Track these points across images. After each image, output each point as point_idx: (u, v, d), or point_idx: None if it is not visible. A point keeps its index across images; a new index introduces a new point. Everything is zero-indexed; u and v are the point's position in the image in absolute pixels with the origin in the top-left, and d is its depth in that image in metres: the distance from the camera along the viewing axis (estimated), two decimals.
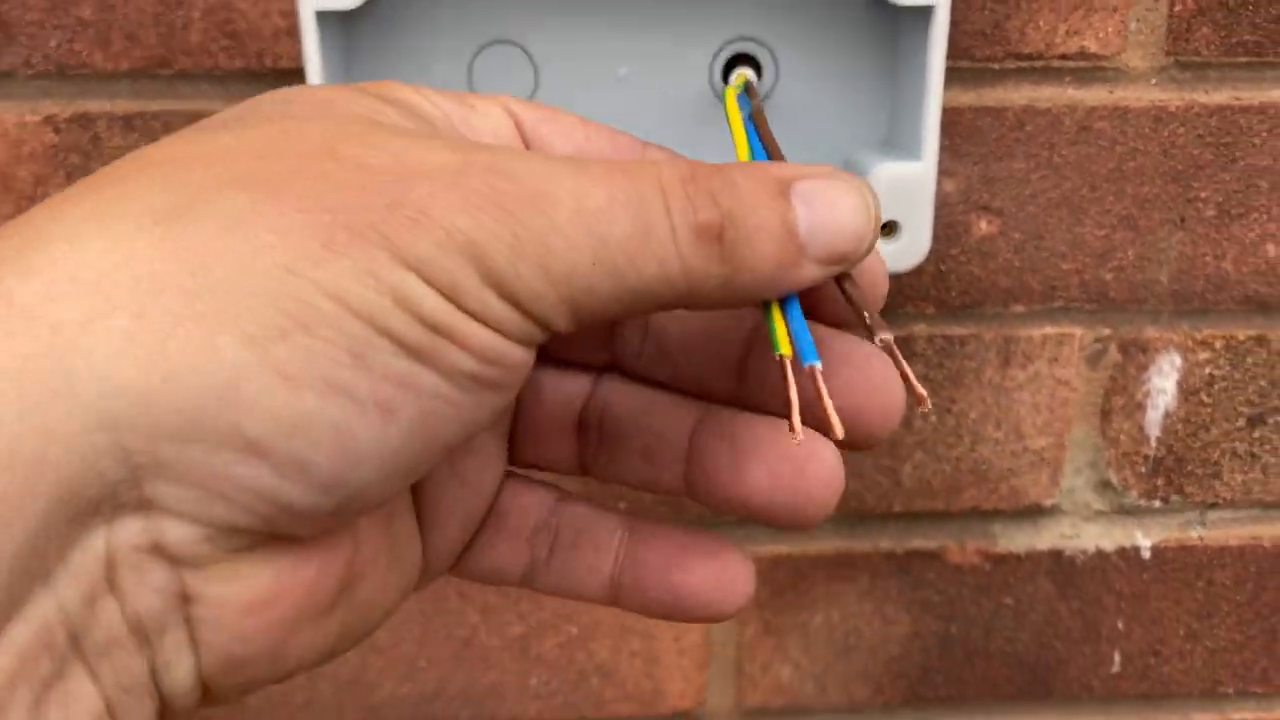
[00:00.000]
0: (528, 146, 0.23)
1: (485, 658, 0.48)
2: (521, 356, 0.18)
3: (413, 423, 0.17)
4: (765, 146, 0.33)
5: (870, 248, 0.20)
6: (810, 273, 0.20)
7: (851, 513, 0.47)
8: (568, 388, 0.25)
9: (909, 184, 0.38)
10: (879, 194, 0.37)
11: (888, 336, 0.21)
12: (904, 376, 0.21)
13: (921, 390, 0.21)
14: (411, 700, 0.49)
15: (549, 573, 0.25)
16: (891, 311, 0.45)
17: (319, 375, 0.16)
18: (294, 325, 0.16)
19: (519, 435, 0.26)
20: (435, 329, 0.17)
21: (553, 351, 0.25)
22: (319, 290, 0.16)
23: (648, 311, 0.19)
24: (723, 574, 0.24)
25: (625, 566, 0.24)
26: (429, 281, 0.17)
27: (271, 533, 0.18)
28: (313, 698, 0.48)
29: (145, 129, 0.41)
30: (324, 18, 0.36)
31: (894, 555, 0.48)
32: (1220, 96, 0.43)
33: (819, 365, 0.20)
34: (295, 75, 0.41)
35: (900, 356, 0.21)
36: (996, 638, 0.50)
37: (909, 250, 0.38)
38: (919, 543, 0.48)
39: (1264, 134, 0.43)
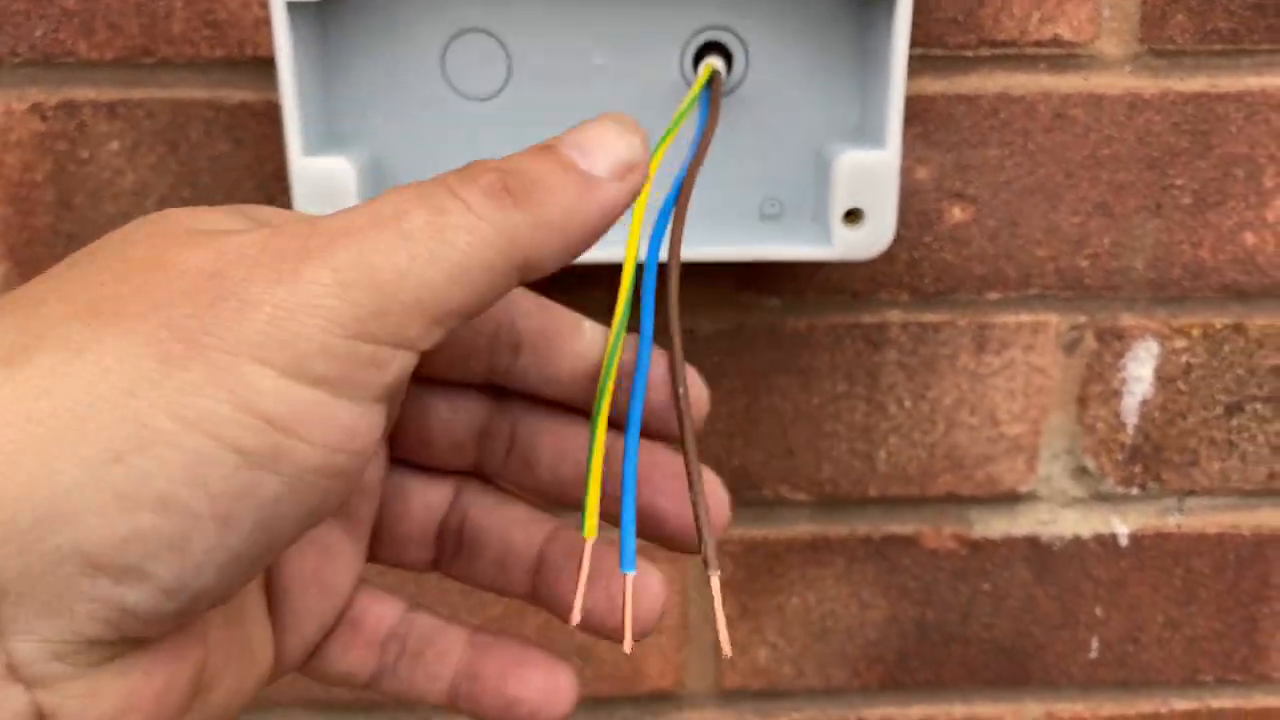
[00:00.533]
0: None
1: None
2: (369, 426, 0.19)
3: (255, 527, 0.18)
4: (704, 135, 0.33)
5: (646, 158, 0.22)
6: (611, 190, 0.21)
7: (827, 497, 0.48)
8: (431, 496, 0.27)
9: (873, 172, 0.38)
10: (845, 182, 0.38)
11: (716, 578, 0.23)
12: (715, 616, 0.24)
13: (727, 646, 0.23)
14: None
15: (395, 678, 0.27)
16: (865, 298, 0.45)
17: (154, 495, 0.17)
18: (130, 448, 0.17)
19: (380, 538, 0.27)
20: (277, 424, 0.17)
21: (419, 459, 0.27)
22: (159, 409, 0.17)
23: (503, 288, 0.20)
24: (552, 685, 0.26)
25: (464, 676, 0.26)
26: (267, 364, 0.17)
27: (120, 638, 0.18)
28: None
29: (129, 116, 0.42)
30: (296, 8, 0.36)
31: (870, 540, 0.49)
32: (1196, 84, 0.43)
33: (632, 573, 0.23)
34: (274, 64, 0.41)
35: (719, 600, 0.24)
36: (973, 623, 0.50)
37: (873, 238, 0.39)
38: (895, 528, 0.49)
39: (1240, 121, 0.43)
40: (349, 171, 0.37)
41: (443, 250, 0.19)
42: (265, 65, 0.42)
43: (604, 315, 0.31)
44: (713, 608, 0.23)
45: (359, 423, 0.18)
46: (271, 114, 0.42)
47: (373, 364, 0.18)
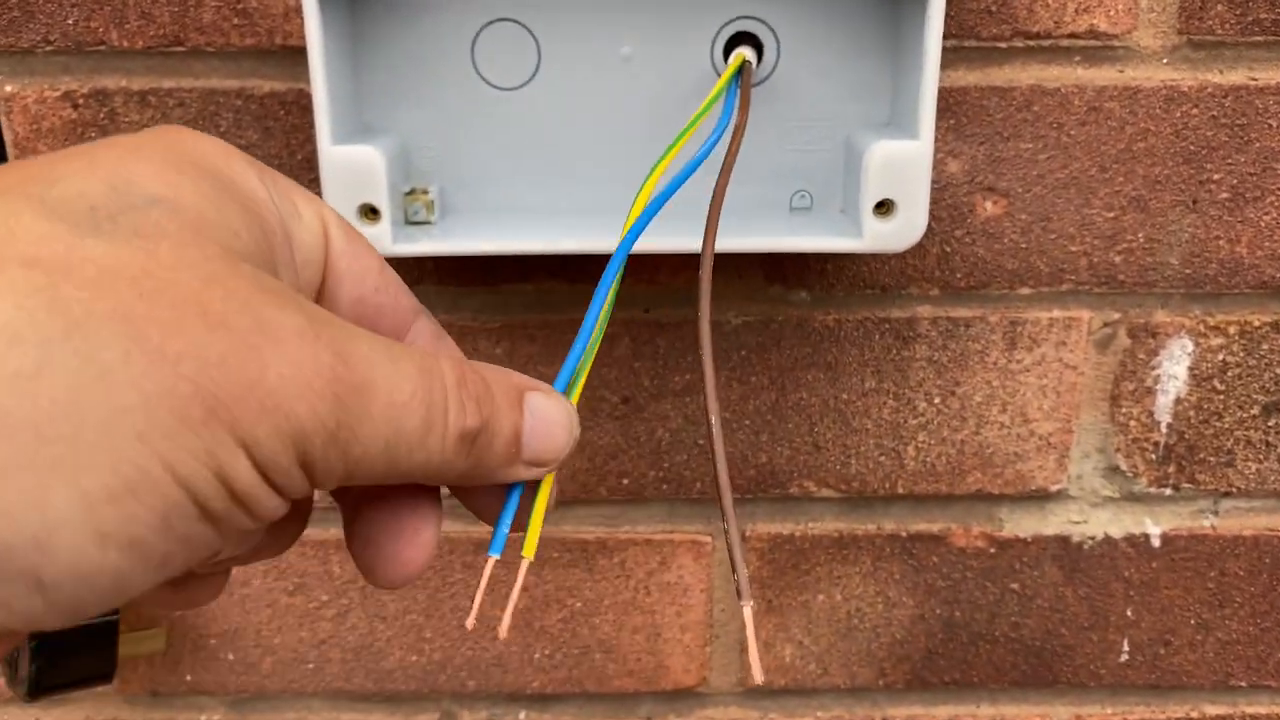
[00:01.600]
0: (326, 273, 0.25)
1: (491, 628, 0.49)
2: (283, 508, 0.20)
3: (179, 568, 0.19)
4: (736, 127, 0.33)
5: (564, 460, 0.25)
6: (519, 473, 0.24)
7: (854, 493, 0.47)
8: None
9: (905, 162, 0.37)
10: (876, 173, 0.37)
11: (749, 609, 0.26)
12: (749, 645, 0.26)
13: (759, 674, 0.25)
14: (419, 669, 0.50)
15: None
16: (895, 292, 0.45)
17: (129, 536, 0.17)
18: (126, 490, 0.17)
19: None
20: (237, 499, 0.19)
21: None
22: (160, 460, 0.17)
23: (394, 481, 0.22)
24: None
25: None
26: (253, 460, 0.19)
27: None
28: (321, 665, 0.50)
29: (160, 105, 0.42)
30: None
31: (897, 537, 0.48)
32: (1235, 76, 0.42)
33: (495, 556, 0.27)
34: (304, 53, 0.41)
35: (751, 630, 0.26)
36: (1001, 623, 0.49)
37: (905, 229, 0.38)
38: (923, 525, 0.48)
39: None
40: (378, 161, 0.37)
41: (403, 459, 0.21)
42: (295, 54, 0.42)
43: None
44: (745, 636, 0.24)
45: (281, 510, 0.20)
46: (301, 103, 0.42)
47: (298, 494, 0.20)
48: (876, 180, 0.38)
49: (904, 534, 0.48)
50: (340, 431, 0.19)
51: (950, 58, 0.42)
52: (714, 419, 0.28)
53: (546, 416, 0.24)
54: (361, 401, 0.20)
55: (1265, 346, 0.45)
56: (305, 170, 0.43)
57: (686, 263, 0.44)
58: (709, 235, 0.31)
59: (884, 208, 0.38)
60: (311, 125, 0.42)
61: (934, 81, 0.37)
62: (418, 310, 0.27)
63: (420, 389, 0.21)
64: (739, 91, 0.37)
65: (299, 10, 0.41)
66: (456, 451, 0.22)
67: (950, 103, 0.42)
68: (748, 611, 0.26)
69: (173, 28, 0.41)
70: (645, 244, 0.39)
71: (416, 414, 0.21)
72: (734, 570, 0.26)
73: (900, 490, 0.47)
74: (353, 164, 0.37)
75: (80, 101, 0.42)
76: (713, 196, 0.33)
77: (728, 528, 0.26)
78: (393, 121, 0.41)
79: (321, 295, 0.25)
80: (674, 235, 0.39)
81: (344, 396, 0.19)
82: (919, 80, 0.37)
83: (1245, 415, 0.46)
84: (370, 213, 0.38)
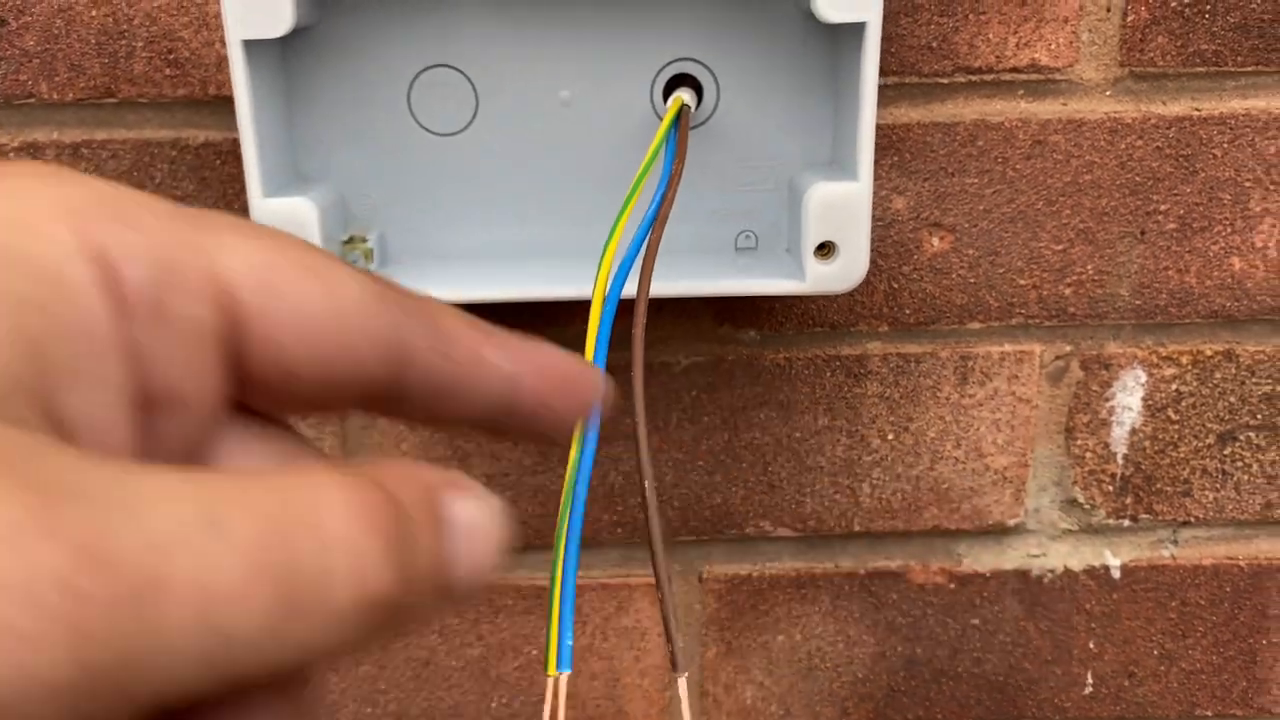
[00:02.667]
0: (241, 338, 0.17)
1: (446, 679, 0.48)
2: None
3: None
4: (671, 173, 0.33)
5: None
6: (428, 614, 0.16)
7: (811, 532, 0.47)
8: None
9: (845, 204, 0.37)
10: (816, 215, 0.37)
11: (683, 681, 0.25)
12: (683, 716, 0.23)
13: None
14: None
15: None
16: (844, 329, 0.44)
17: None
18: None
19: None
20: None
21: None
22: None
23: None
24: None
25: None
26: None
27: None
28: None
29: (93, 157, 0.42)
30: (254, 46, 0.36)
31: (855, 575, 0.48)
32: (1178, 107, 0.42)
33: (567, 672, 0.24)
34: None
35: (686, 701, 0.26)
36: (964, 659, 0.49)
37: (847, 271, 0.38)
38: (881, 563, 0.48)
39: (1225, 145, 0.42)
40: (310, 213, 0.37)
41: (247, 659, 0.14)
42: (229, 104, 0.41)
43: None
44: (680, 708, 0.23)
45: None
46: (237, 153, 0.42)
47: None
48: (816, 222, 0.37)
49: (862, 572, 0.48)
50: (110, 674, 0.12)
51: (892, 95, 0.41)
52: (649, 489, 0.27)
53: (476, 532, 0.16)
54: (140, 615, 0.12)
55: (1218, 375, 0.45)
56: None
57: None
58: (641, 295, 0.31)
59: (825, 250, 0.38)
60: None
61: (872, 122, 0.36)
62: (405, 301, 0.18)
63: (262, 563, 0.13)
64: (677, 138, 0.36)
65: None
66: (347, 629, 0.14)
67: (893, 139, 0.42)
68: (682, 684, 0.25)
69: (104, 79, 0.41)
70: (588, 291, 0.39)
71: (256, 605, 0.13)
72: (668, 640, 0.25)
73: (857, 528, 0.47)
74: (284, 217, 0.37)
75: (11, 155, 0.42)
76: (645, 252, 0.33)
77: (663, 595, 0.26)
78: (329, 168, 0.41)
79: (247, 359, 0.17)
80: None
81: (97, 619, 0.12)
82: (857, 120, 0.37)
83: (1201, 445, 0.46)
84: None
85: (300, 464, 0.17)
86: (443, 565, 0.15)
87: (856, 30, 0.36)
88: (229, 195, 0.42)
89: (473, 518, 0.16)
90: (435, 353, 0.18)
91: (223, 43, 0.40)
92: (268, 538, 0.13)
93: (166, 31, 0.40)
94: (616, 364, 0.44)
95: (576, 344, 0.44)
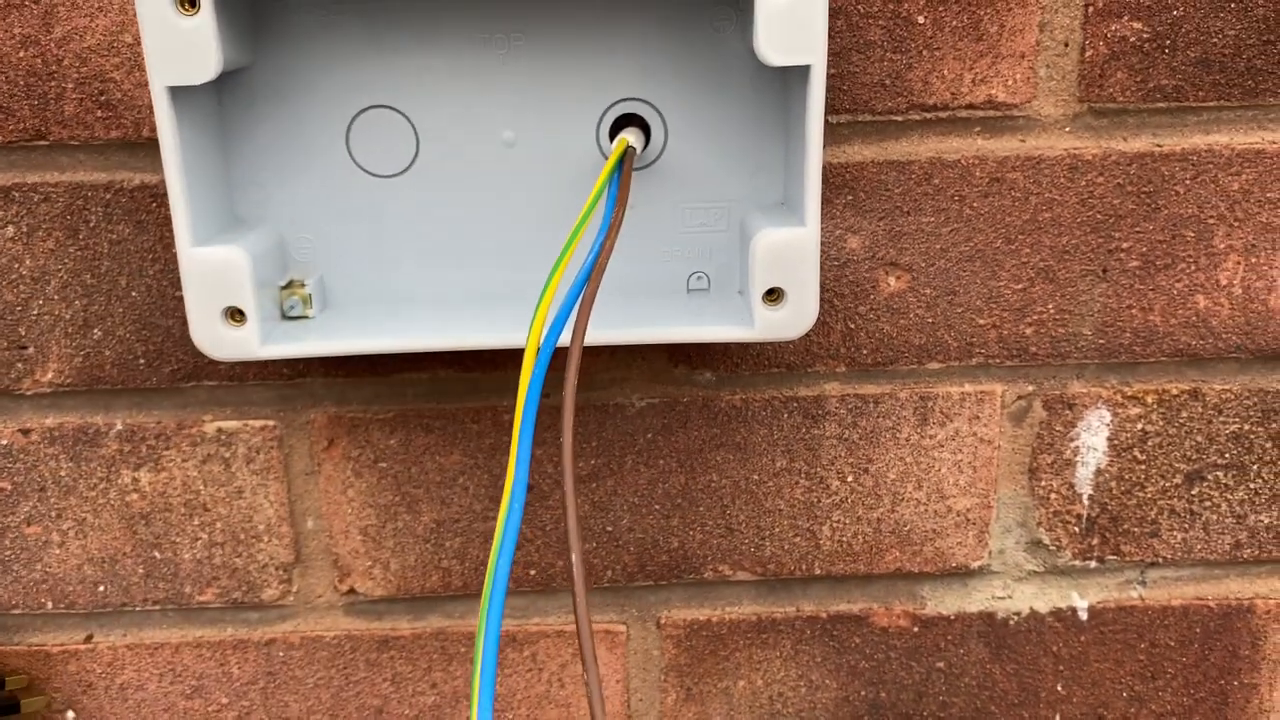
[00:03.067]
0: None
1: None
2: None
3: None
4: (612, 217, 0.32)
5: None
6: None
7: (770, 575, 0.46)
8: None
9: (792, 250, 0.36)
10: (764, 261, 0.36)
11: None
12: None
13: None
14: None
15: None
16: (801, 370, 0.43)
17: None
18: None
19: None
20: None
21: None
22: None
23: None
24: None
25: None
26: None
27: None
28: None
29: (24, 200, 0.40)
30: (181, 92, 0.35)
31: (817, 619, 0.47)
32: (1139, 144, 0.41)
33: None
34: None
35: None
36: (929, 702, 0.48)
37: (797, 317, 0.37)
38: (843, 606, 0.47)
39: (1187, 181, 0.41)
40: (242, 261, 0.36)
41: None
42: None
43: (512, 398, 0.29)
44: None
45: None
46: None
47: None
48: (764, 269, 0.36)
49: (824, 615, 0.47)
50: None
51: (845, 132, 0.40)
52: (576, 561, 0.26)
53: None
54: None
55: (1184, 414, 0.44)
56: None
57: (592, 347, 0.43)
58: (574, 349, 0.30)
59: (774, 295, 0.37)
60: None
61: (818, 167, 0.35)
62: None
63: None
64: (619, 183, 0.35)
65: None
66: None
67: (847, 179, 0.41)
68: None
69: (33, 121, 0.39)
70: (509, 339, 0.38)
71: None
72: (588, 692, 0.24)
73: (818, 571, 0.46)
74: (215, 265, 0.36)
75: None
76: (579, 304, 0.32)
77: (585, 664, 0.24)
78: (267, 211, 0.40)
79: None
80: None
81: None
82: (803, 163, 0.36)
83: (1168, 484, 0.45)
84: (235, 315, 0.36)
85: None
86: None
87: (803, 73, 0.35)
88: (166, 238, 0.41)
89: None
90: None
91: None
92: None
93: (97, 73, 0.39)
94: (585, 403, 0.43)
95: (545, 412, 0.43)
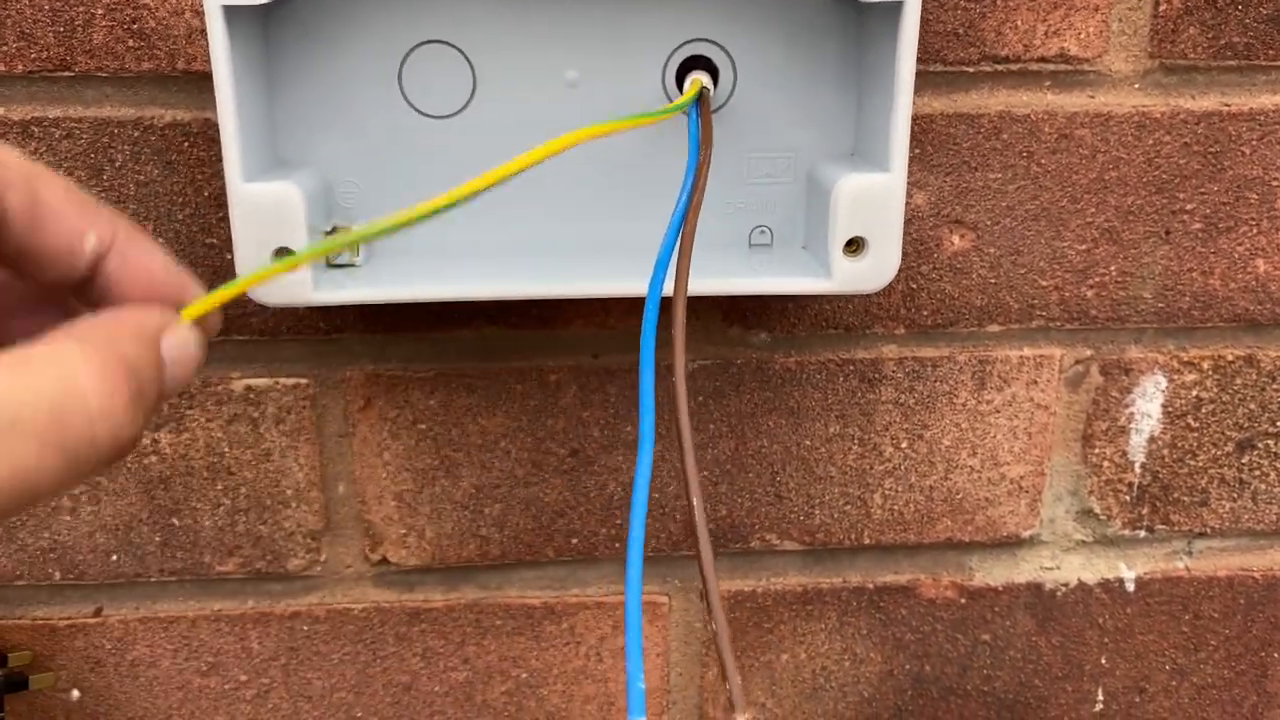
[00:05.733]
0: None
1: (429, 704, 0.45)
2: None
3: None
4: (699, 164, 0.31)
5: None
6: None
7: (817, 545, 0.44)
8: None
9: (876, 197, 0.35)
10: (846, 209, 0.35)
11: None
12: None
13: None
14: None
15: None
16: (859, 331, 0.42)
17: None
18: None
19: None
20: None
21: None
22: None
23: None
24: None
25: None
26: None
27: None
28: None
29: (45, 136, 0.38)
30: (236, 14, 0.32)
31: (864, 590, 0.45)
32: (1207, 102, 0.40)
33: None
34: (210, 80, 0.37)
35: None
36: (973, 676, 0.47)
37: (878, 269, 0.35)
38: (890, 577, 0.45)
39: (1254, 142, 0.41)
40: (296, 198, 0.33)
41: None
42: (200, 80, 0.38)
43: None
44: None
45: None
46: (208, 134, 0.38)
47: None
48: (846, 217, 0.35)
49: (871, 586, 0.45)
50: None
51: (916, 83, 0.39)
52: (698, 510, 0.25)
53: (184, 359, 0.23)
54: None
55: (1239, 382, 0.44)
56: (214, 208, 0.39)
57: (636, 305, 0.41)
58: (679, 294, 0.28)
59: (854, 246, 0.35)
60: (219, 158, 0.38)
61: (907, 109, 0.34)
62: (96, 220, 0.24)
63: (50, 442, 0.19)
64: (700, 123, 0.34)
65: (204, 32, 0.37)
66: (107, 460, 0.20)
67: (916, 131, 0.40)
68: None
69: (58, 50, 0.37)
70: (592, 288, 0.36)
71: (49, 469, 0.19)
72: (724, 679, 0.22)
73: (867, 540, 0.45)
74: (267, 203, 0.33)
75: None
76: (679, 246, 0.30)
77: (717, 630, 0.23)
78: (311, 154, 0.37)
79: None
80: (622, 278, 0.36)
81: None
82: (889, 108, 0.34)
83: (1219, 453, 0.45)
84: (285, 254, 0.34)
85: (54, 338, 0.20)
86: (163, 393, 0.22)
87: (891, 11, 0.33)
88: (198, 181, 0.38)
89: (179, 349, 0.22)
90: (27, 217, 0.22)
91: (194, 12, 0.37)
92: (52, 423, 0.19)
93: None
94: (633, 364, 0.42)
95: (579, 344, 0.42)
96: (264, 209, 0.33)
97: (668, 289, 0.29)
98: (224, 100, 0.32)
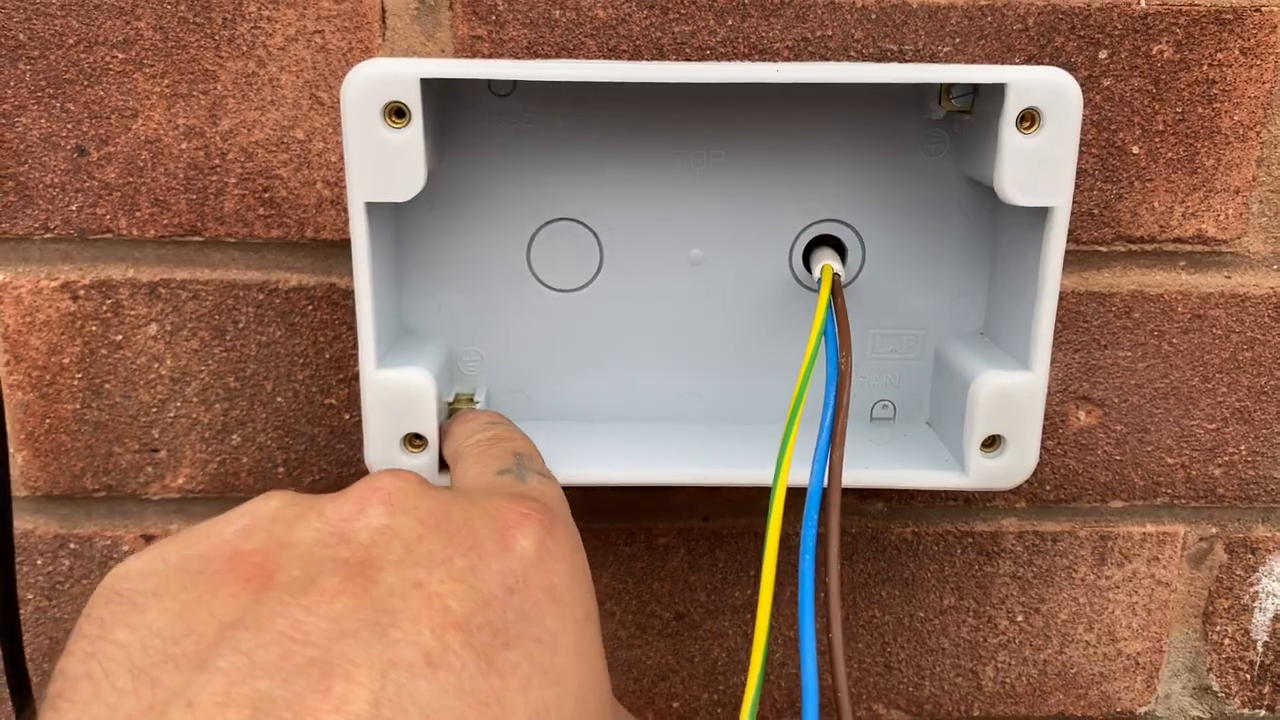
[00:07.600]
0: None
1: None
2: None
3: None
4: (840, 357, 0.30)
5: None
6: None
7: (926, 716, 0.43)
8: None
9: (1017, 397, 0.34)
10: (985, 406, 0.34)
11: None
12: None
13: None
14: None
15: None
16: (980, 504, 0.41)
17: None
18: None
19: None
20: None
21: None
22: None
23: None
24: None
25: None
26: None
27: None
28: None
29: (171, 297, 0.38)
30: (376, 208, 0.32)
31: None
32: None
33: None
34: (338, 246, 0.37)
35: None
36: None
37: (1015, 467, 0.34)
38: None
39: None
40: (427, 385, 0.33)
41: None
42: (327, 247, 0.37)
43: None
44: None
45: None
46: (331, 298, 0.38)
47: None
48: (985, 415, 0.34)
49: None
50: None
51: None
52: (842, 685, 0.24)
53: None
54: None
55: None
56: (334, 369, 0.39)
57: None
58: (833, 495, 0.28)
59: (992, 443, 0.34)
60: (342, 321, 0.38)
61: (1052, 311, 0.33)
62: None
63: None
64: (836, 319, 0.33)
65: (335, 203, 0.37)
66: None
67: None
68: None
69: (189, 216, 0.37)
70: (720, 477, 0.35)
71: None
72: None
73: (976, 713, 0.43)
74: (399, 390, 0.33)
75: (81, 292, 0.38)
76: (830, 467, 0.29)
77: None
78: (436, 323, 0.37)
79: None
80: (748, 466, 0.35)
81: None
82: (1032, 306, 0.33)
83: None
84: (415, 440, 0.33)
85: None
86: None
87: (1038, 211, 0.33)
88: (320, 343, 0.38)
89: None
90: None
91: (325, 183, 0.37)
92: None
93: (264, 169, 0.36)
94: (744, 529, 0.41)
95: (689, 508, 0.41)
96: (396, 396, 0.33)
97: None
98: (362, 295, 0.32)
